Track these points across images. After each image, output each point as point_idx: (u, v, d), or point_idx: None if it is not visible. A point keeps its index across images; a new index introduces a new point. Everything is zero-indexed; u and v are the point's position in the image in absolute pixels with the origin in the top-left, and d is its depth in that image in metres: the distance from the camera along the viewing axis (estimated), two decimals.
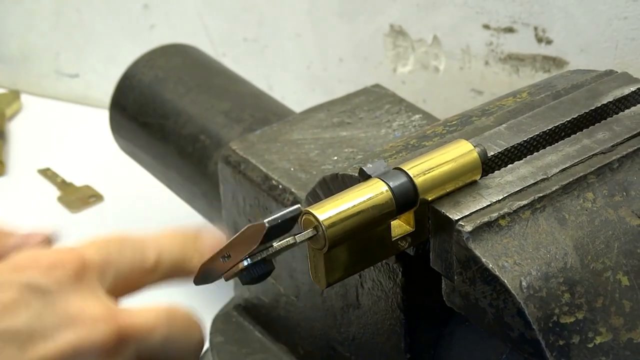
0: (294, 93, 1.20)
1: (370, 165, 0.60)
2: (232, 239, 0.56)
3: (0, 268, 0.53)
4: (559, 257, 0.57)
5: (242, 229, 0.55)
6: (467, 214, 0.58)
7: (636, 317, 0.57)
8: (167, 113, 0.98)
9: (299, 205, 0.56)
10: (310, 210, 0.57)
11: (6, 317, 0.51)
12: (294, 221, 0.56)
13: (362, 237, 0.59)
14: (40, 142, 1.28)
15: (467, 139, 0.61)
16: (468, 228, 0.57)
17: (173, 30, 1.25)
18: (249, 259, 0.56)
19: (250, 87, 1.01)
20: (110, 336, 0.53)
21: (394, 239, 0.61)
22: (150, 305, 0.56)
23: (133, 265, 0.57)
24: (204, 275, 0.58)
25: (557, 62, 0.99)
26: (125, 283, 0.57)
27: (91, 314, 0.53)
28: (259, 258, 0.56)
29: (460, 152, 0.60)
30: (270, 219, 0.54)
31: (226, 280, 0.58)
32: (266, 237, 0.55)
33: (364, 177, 0.60)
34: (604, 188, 0.61)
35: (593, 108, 0.66)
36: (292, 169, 0.79)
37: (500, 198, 0.59)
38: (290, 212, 0.55)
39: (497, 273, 0.56)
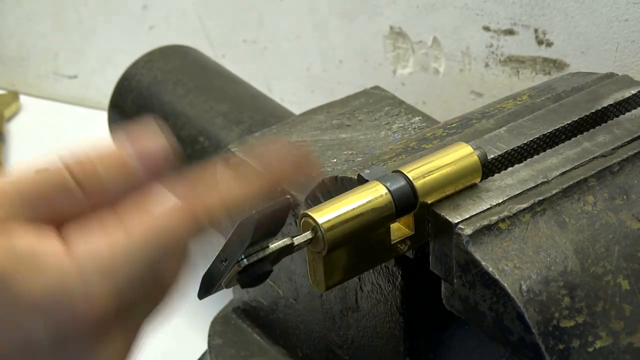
0: (294, 94, 1.20)
1: (368, 171, 0.60)
2: (226, 239, 0.55)
3: None
4: (559, 261, 0.57)
5: (234, 227, 0.54)
6: (467, 217, 0.58)
7: (636, 321, 0.57)
8: (166, 115, 0.98)
9: (288, 197, 0.54)
10: (309, 213, 0.57)
11: None
12: (285, 213, 0.54)
13: (362, 240, 0.59)
14: (38, 143, 1.28)
15: (467, 142, 0.61)
16: (468, 231, 0.57)
17: (172, 32, 1.25)
18: (245, 259, 0.55)
19: (249, 88, 1.01)
20: None
21: (394, 242, 0.60)
22: None
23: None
24: (205, 287, 0.57)
25: (557, 64, 0.98)
26: None
27: None
28: (256, 259, 0.55)
29: (460, 155, 0.60)
30: (259, 210, 0.53)
31: (227, 287, 0.56)
32: (257, 229, 0.53)
33: (362, 183, 0.60)
34: (605, 191, 0.61)
35: (593, 111, 0.66)
36: None
37: (500, 201, 0.59)
38: (280, 202, 0.53)
39: (497, 277, 0.56)
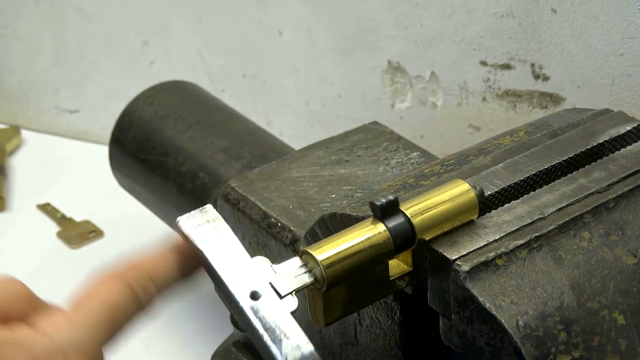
0: (293, 128, 1.20)
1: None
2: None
3: None
4: (556, 296, 0.58)
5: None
6: (464, 253, 0.59)
7: (632, 356, 0.57)
8: (166, 150, 0.98)
9: None
10: (309, 251, 0.58)
11: None
12: None
13: (361, 276, 0.59)
14: (40, 178, 1.29)
15: (464, 179, 0.62)
16: (465, 268, 0.58)
17: (172, 67, 1.26)
18: None
19: (249, 124, 1.02)
20: None
21: (392, 278, 0.61)
22: None
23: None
24: None
25: (554, 98, 0.99)
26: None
27: None
28: None
29: (457, 192, 0.60)
30: None
31: None
32: None
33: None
34: (600, 227, 0.61)
35: (589, 147, 0.66)
36: (290, 207, 0.79)
37: (497, 237, 0.60)
38: None
39: (494, 312, 0.56)
